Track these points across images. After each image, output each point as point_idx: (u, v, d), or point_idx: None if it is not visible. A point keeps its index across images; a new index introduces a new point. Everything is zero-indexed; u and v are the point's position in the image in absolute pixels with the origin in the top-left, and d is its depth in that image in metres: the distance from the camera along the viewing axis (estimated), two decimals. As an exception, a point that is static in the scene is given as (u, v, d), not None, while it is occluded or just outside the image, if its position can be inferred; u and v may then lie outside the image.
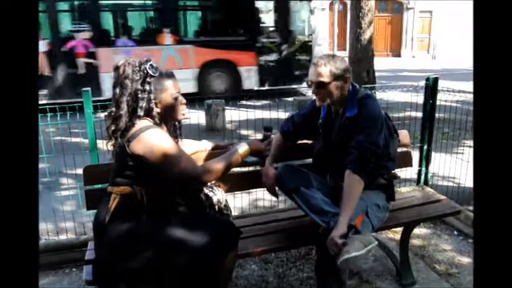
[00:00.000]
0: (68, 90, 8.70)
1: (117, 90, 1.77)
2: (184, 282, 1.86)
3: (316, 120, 2.30)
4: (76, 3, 9.46)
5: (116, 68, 1.79)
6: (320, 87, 2.11)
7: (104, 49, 9.10)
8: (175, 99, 1.87)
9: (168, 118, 1.91)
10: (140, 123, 1.76)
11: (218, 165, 1.89)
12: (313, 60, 2.19)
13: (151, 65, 1.80)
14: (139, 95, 1.76)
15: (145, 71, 1.78)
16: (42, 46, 8.63)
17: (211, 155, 2.25)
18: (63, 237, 3.14)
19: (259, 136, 2.21)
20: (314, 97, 2.20)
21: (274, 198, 2.50)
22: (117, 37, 9.56)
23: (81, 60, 9.09)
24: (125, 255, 1.73)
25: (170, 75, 1.88)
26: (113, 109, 1.77)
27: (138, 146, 1.72)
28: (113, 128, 1.77)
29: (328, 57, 2.16)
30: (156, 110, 1.81)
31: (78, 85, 6.38)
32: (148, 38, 9.96)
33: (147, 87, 1.77)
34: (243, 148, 2.01)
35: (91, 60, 9.08)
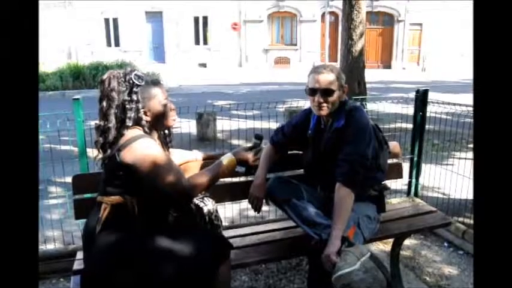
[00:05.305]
0: None
1: (104, 103, 1.76)
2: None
3: (306, 130, 2.29)
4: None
5: (101, 82, 1.78)
6: (328, 94, 2.08)
7: None
8: (165, 105, 1.86)
9: (158, 126, 1.90)
10: (131, 133, 1.75)
11: (203, 179, 1.87)
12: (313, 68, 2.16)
13: (136, 74, 1.80)
14: (127, 106, 1.76)
15: (131, 81, 1.78)
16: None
17: (201, 165, 2.24)
18: (50, 246, 3.09)
19: (250, 144, 2.17)
20: (305, 107, 2.19)
21: (264, 208, 2.48)
22: None
23: None
24: (115, 265, 1.71)
25: (156, 83, 1.87)
26: (101, 122, 1.76)
27: (129, 155, 1.70)
28: (101, 141, 1.76)
29: (330, 65, 2.17)
30: (146, 118, 1.81)
31: None
32: None
33: (134, 97, 1.77)
34: (228, 159, 1.98)
35: None
